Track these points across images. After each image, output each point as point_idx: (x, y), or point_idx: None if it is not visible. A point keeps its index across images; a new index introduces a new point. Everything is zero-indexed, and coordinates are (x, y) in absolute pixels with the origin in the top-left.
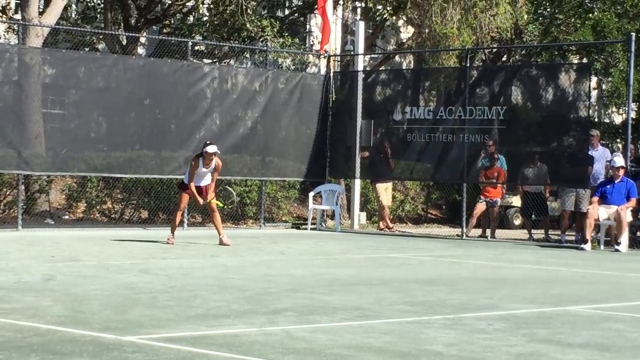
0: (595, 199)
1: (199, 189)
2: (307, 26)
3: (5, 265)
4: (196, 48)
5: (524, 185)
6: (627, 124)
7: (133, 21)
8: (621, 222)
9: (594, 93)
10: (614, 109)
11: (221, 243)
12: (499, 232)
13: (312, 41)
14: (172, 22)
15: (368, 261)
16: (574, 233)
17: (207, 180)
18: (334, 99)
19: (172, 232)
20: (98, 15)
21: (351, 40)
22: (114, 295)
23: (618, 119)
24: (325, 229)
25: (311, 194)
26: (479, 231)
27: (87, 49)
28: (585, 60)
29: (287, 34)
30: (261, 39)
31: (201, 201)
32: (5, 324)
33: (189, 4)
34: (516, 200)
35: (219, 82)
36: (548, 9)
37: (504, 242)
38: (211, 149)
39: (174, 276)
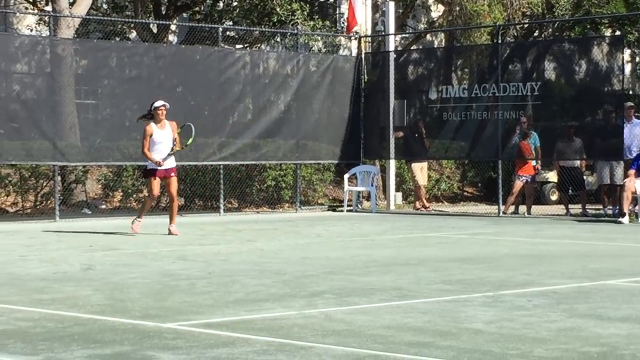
0: (632, 172)
1: (162, 172)
2: (338, 8)
3: (44, 256)
4: (227, 34)
5: (560, 160)
6: None
7: (163, 9)
8: None
9: (628, 66)
10: None
11: (170, 233)
12: (536, 209)
13: (343, 23)
14: (202, 8)
15: (405, 241)
16: (610, 207)
17: (170, 162)
18: (366, 80)
19: (141, 216)
20: (128, 4)
21: (382, 21)
22: (152, 283)
23: None
24: (361, 211)
25: (346, 176)
26: (512, 207)
27: (118, 39)
28: (618, 33)
29: (317, 16)
30: (291, 23)
31: (156, 191)
32: (46, 314)
33: None
34: (552, 176)
35: (251, 67)
36: None
37: (541, 218)
38: (158, 102)
39: (212, 262)
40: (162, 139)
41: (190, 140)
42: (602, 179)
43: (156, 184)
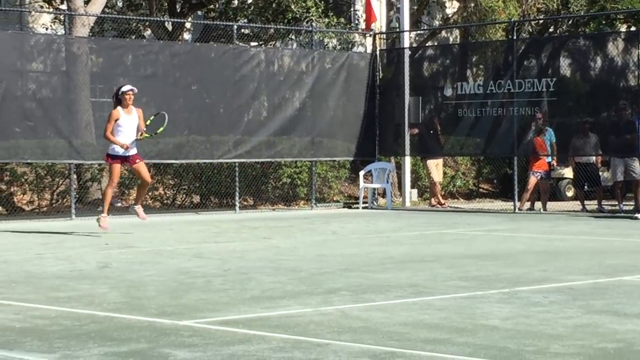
0: None
1: (124, 159)
2: (352, 5)
3: (60, 254)
4: (242, 31)
5: (575, 156)
6: None
7: (178, 7)
8: None
9: None
10: None
11: (136, 213)
12: (552, 205)
13: (358, 20)
14: (217, 6)
15: (421, 238)
16: (627, 202)
17: (133, 148)
18: (381, 77)
19: (106, 211)
20: (143, 3)
21: (396, 17)
22: (168, 281)
23: None
24: (376, 207)
25: (362, 173)
26: (527, 203)
27: (133, 37)
28: (633, 29)
29: (332, 13)
30: (306, 20)
31: (117, 178)
32: (63, 312)
33: None
34: (568, 172)
35: (266, 64)
36: None
37: (557, 215)
38: (126, 87)
39: (228, 259)
40: (127, 125)
41: (161, 129)
42: (616, 175)
43: (118, 169)
